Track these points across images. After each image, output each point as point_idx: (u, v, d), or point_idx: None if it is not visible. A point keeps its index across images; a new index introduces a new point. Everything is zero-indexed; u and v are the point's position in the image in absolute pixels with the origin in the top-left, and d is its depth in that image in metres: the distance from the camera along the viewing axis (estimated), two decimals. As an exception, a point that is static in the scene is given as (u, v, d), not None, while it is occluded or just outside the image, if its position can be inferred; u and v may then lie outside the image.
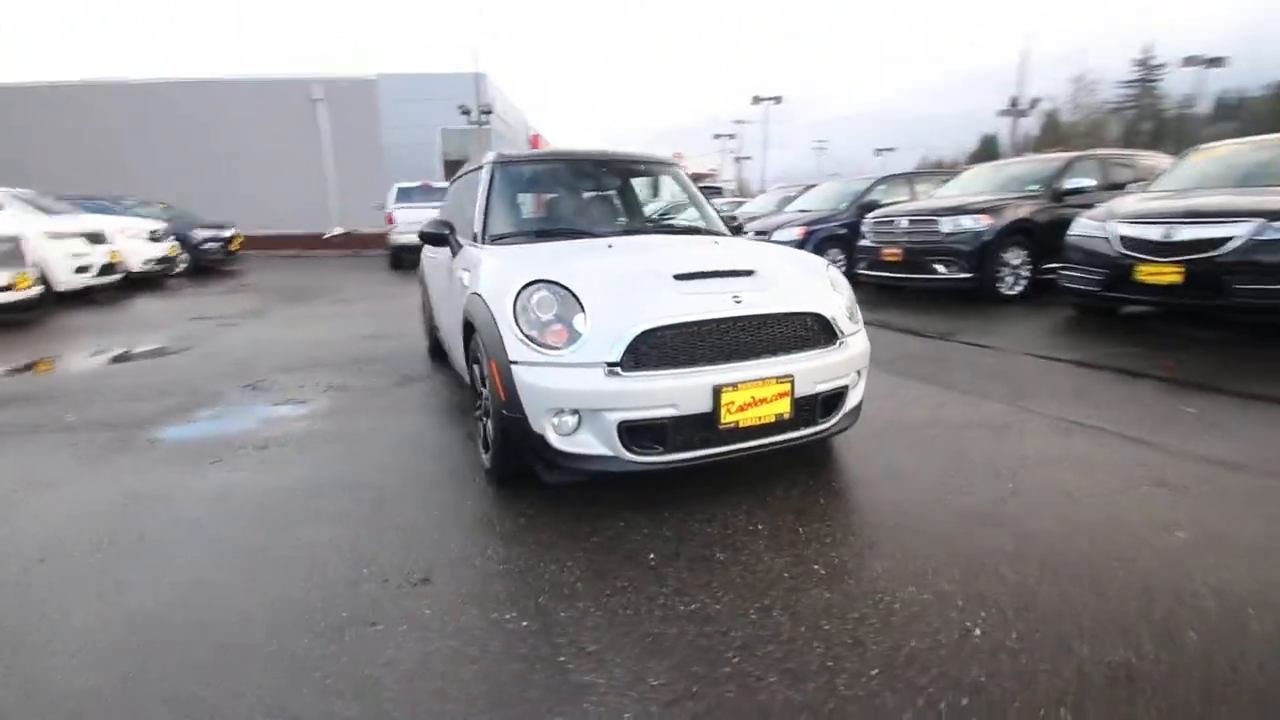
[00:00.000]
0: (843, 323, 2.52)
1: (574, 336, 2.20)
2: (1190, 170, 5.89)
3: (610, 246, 2.77)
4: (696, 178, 4.30)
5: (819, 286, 2.58)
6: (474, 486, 2.57)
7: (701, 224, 3.39)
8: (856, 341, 2.57)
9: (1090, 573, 1.87)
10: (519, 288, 2.30)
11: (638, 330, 2.15)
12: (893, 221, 7.40)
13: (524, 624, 1.71)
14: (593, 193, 3.52)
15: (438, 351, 4.74)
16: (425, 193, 12.40)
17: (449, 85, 17.31)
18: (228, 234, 12.21)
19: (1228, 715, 1.35)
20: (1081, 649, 1.56)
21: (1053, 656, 1.54)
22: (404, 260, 12.05)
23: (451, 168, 18.13)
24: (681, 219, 3.50)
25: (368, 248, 17.48)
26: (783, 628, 1.67)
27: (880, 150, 39.77)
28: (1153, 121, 52.58)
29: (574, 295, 2.24)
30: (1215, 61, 22.23)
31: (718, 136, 42.38)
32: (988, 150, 59.60)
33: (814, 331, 2.44)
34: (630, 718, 1.38)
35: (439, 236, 3.13)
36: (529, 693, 1.46)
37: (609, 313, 2.21)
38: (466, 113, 15.50)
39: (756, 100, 30.57)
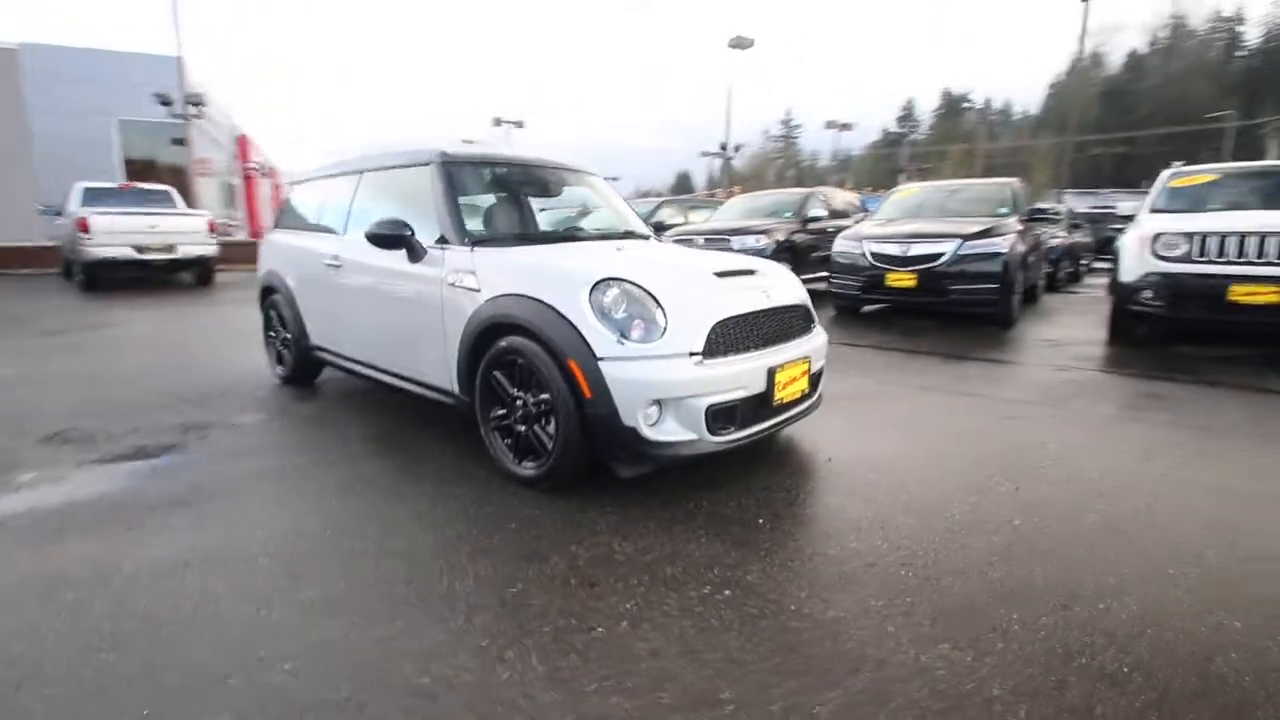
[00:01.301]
0: (813, 313, 3.03)
1: (654, 330, 2.29)
2: (896, 205, 7.96)
3: (620, 249, 2.86)
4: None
5: (795, 283, 3.05)
6: (527, 496, 2.42)
7: (642, 230, 3.62)
8: (821, 329, 3.11)
9: (1034, 473, 2.65)
10: (591, 285, 2.30)
11: (714, 321, 2.35)
12: (691, 241, 8.39)
13: (727, 593, 1.80)
14: (544, 199, 3.47)
15: (302, 374, 4.06)
16: (125, 195, 9.88)
17: (128, 67, 13.84)
18: None
19: (1164, 516, 2.14)
20: (1075, 513, 2.26)
21: (1071, 506, 2.21)
22: (102, 279, 9.44)
23: (137, 168, 14.62)
24: (615, 226, 3.65)
25: (6, 265, 13.07)
26: (919, 533, 2.07)
27: (608, 178, 43.10)
28: (794, 169, 66.81)
29: (647, 291, 2.33)
30: (846, 126, 29.79)
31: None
32: (683, 185, 68.96)
33: (805, 320, 2.90)
34: (893, 629, 1.63)
35: (397, 238, 2.82)
36: (802, 637, 1.60)
37: (681, 305, 2.35)
38: (167, 103, 12.50)
39: (498, 122, 30.66)
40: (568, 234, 3.22)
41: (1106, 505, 2.37)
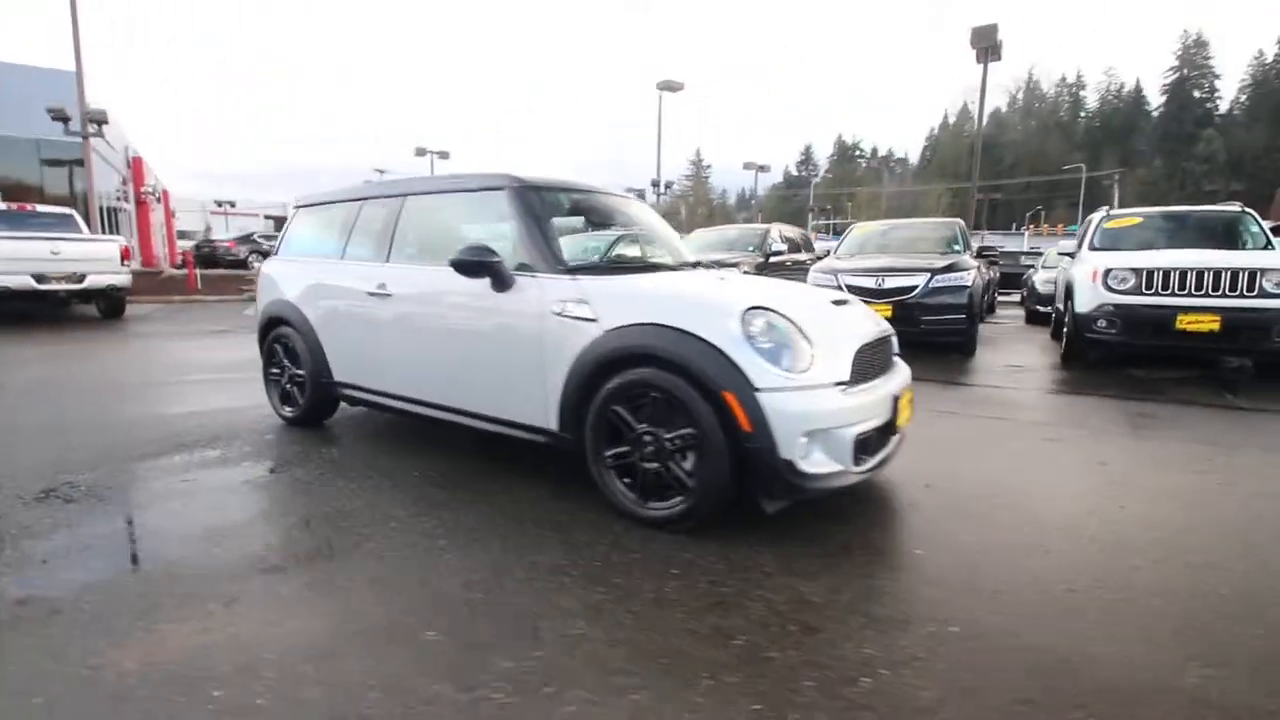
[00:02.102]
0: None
1: (801, 359, 2.23)
2: (856, 241, 8.40)
3: (723, 279, 2.80)
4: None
5: (877, 314, 3.10)
6: (665, 540, 2.26)
7: (702, 260, 3.58)
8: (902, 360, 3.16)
9: (1121, 492, 2.79)
10: (741, 314, 2.22)
11: (855, 348, 2.34)
12: (663, 272, 8.45)
13: (955, 629, 1.74)
14: (609, 227, 3.35)
15: (315, 414, 3.67)
16: (20, 218, 8.70)
17: (9, 79, 12.33)
18: None
19: (1272, 523, 2.31)
20: (1194, 528, 2.39)
21: (1184, 521, 2.33)
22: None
23: (10, 190, 12.94)
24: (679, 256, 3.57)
25: None
26: (1079, 556, 2.10)
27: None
28: (704, 207, 69.54)
29: (790, 320, 2.28)
30: (764, 168, 31.52)
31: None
32: (598, 219, 70.30)
33: (893, 350, 2.95)
34: (1138, 654, 1.63)
35: (483, 265, 2.62)
36: (1069, 668, 1.57)
37: (821, 334, 2.32)
38: (64, 120, 11.04)
39: (421, 152, 29.72)
40: (656, 264, 3.12)
41: (1213, 515, 2.52)
